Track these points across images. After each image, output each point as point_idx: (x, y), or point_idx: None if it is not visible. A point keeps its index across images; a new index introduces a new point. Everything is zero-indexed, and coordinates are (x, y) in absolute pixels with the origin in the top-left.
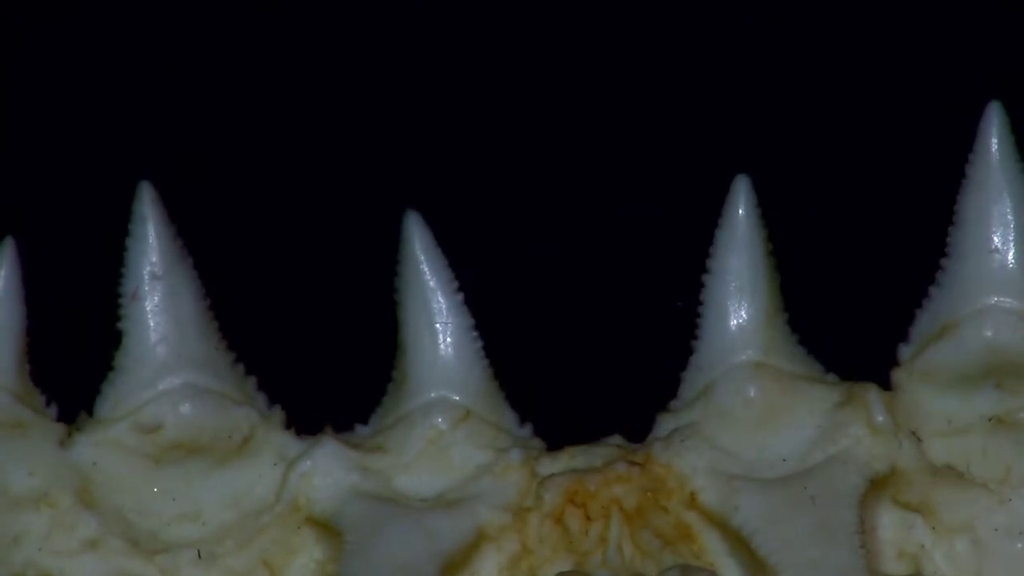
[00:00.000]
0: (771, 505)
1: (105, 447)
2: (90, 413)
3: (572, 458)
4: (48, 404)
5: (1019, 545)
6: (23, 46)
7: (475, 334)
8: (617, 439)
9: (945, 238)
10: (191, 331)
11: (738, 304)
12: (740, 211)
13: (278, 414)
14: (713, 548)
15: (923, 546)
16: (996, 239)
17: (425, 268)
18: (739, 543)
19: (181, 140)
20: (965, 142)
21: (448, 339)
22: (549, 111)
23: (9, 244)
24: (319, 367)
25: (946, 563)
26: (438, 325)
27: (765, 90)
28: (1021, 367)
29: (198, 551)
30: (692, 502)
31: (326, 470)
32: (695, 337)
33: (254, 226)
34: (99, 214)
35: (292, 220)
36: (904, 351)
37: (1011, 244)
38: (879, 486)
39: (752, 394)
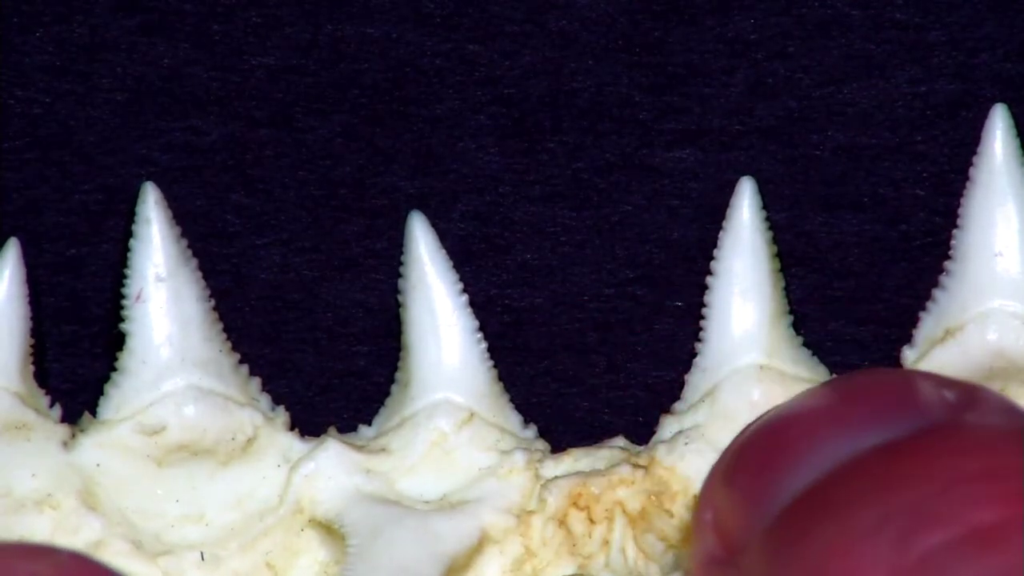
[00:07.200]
0: None
1: (109, 449)
2: (94, 414)
3: (576, 461)
4: (51, 405)
5: None
6: (23, 46)
7: (479, 336)
8: (621, 441)
9: (949, 241)
10: (195, 333)
11: (742, 307)
12: (744, 214)
13: (282, 415)
14: None
15: None
16: (1000, 242)
17: (429, 270)
18: None
19: (183, 141)
20: (969, 145)
21: (452, 341)
22: (551, 109)
23: (13, 245)
24: (322, 368)
25: None
26: (442, 327)
27: (766, 91)
28: None
29: (202, 553)
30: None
31: (330, 472)
32: (699, 339)
33: (257, 228)
34: (103, 216)
35: (295, 221)
36: (908, 354)
37: (1015, 247)
38: None
39: (756, 397)
